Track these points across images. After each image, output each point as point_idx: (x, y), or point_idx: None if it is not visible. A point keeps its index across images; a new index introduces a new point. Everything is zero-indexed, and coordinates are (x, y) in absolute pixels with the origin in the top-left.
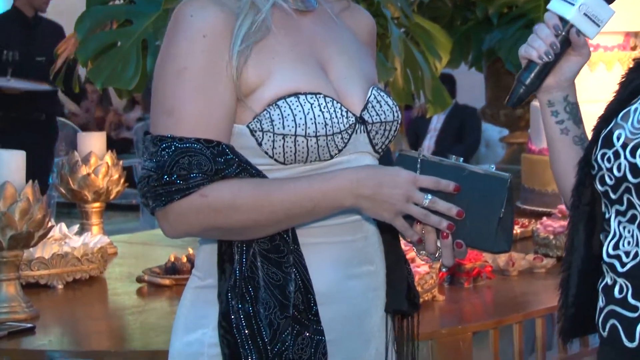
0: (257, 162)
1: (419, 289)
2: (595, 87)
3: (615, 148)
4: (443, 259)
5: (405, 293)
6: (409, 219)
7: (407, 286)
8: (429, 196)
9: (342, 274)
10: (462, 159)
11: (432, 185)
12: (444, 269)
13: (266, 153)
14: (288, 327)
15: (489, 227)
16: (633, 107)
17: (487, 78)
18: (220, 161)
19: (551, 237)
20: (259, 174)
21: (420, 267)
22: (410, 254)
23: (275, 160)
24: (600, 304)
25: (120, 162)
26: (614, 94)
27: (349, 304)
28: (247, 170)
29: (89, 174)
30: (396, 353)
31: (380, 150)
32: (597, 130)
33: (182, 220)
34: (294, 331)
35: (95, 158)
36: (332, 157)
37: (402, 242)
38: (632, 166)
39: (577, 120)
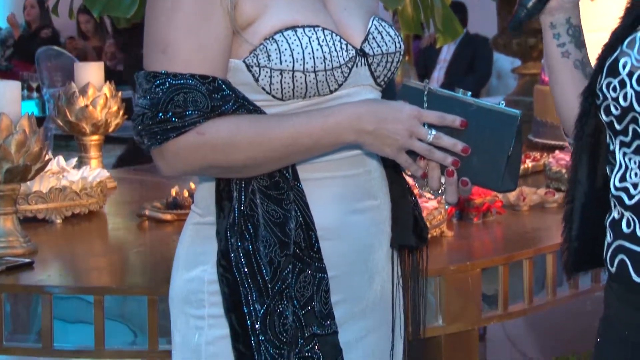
0: (254, 98)
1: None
2: (599, 15)
3: (620, 77)
4: (446, 196)
5: (412, 227)
6: (413, 154)
7: (413, 220)
8: (433, 131)
9: (344, 209)
10: (470, 93)
11: (437, 120)
12: (447, 206)
13: (263, 89)
14: (289, 265)
15: (496, 166)
16: (639, 34)
17: (500, 6)
18: (217, 97)
19: (563, 170)
20: (256, 110)
21: (429, 203)
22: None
23: (273, 96)
24: (608, 239)
25: (119, 94)
26: (619, 20)
27: (352, 240)
28: (245, 107)
29: (86, 106)
30: (402, 289)
31: (382, 83)
32: (602, 58)
33: (179, 158)
34: (295, 269)
35: (93, 89)
36: (331, 91)
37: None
38: (639, 95)
39: (579, 43)
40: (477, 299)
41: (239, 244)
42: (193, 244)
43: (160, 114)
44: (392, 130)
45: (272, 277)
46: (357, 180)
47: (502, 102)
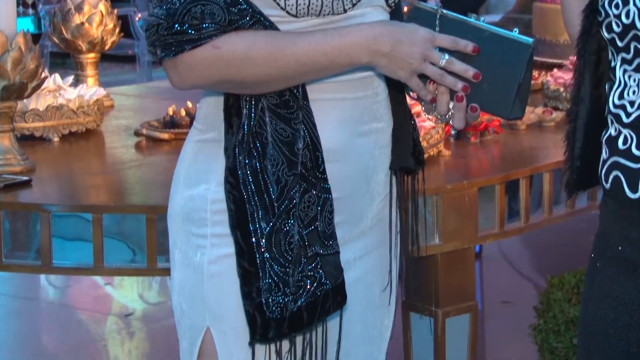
0: (268, 14)
1: (424, 143)
2: None
3: None
4: (454, 122)
5: (411, 150)
6: (423, 77)
7: (412, 143)
8: (446, 56)
9: (351, 131)
10: (483, 18)
11: (450, 44)
12: (453, 132)
13: (278, 4)
14: (296, 184)
15: (507, 93)
16: None
17: None
18: (234, 11)
19: (561, 89)
20: (272, 26)
21: (426, 122)
22: (415, 108)
23: (287, 12)
24: (604, 155)
25: (115, 11)
26: None
27: (356, 162)
28: (261, 22)
29: (82, 23)
30: (398, 209)
31: (392, 4)
32: None
33: (192, 71)
34: (300, 189)
35: (88, 6)
36: (345, 10)
37: (407, 97)
38: None
39: None
40: (473, 217)
41: (247, 161)
42: (195, 161)
43: (177, 25)
44: (406, 53)
45: (279, 195)
46: (364, 102)
47: (515, 29)
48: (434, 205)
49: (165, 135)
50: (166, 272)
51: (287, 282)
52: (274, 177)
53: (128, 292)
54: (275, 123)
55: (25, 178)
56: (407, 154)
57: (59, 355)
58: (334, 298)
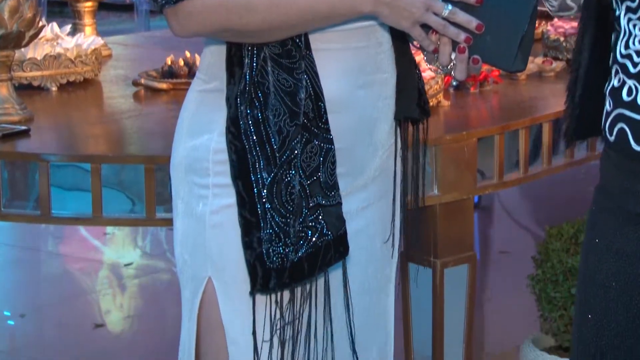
0: None
1: None
2: None
3: None
4: (456, 73)
5: (416, 100)
6: (426, 27)
7: (417, 92)
8: (449, 6)
9: (354, 81)
10: None
11: None
12: (454, 82)
13: None
14: (298, 135)
15: (510, 45)
16: None
17: None
18: None
19: (562, 39)
20: None
21: (426, 72)
22: (417, 57)
23: None
24: (607, 107)
25: None
26: None
27: (359, 113)
28: None
29: None
30: (401, 161)
31: None
32: None
33: (194, 19)
34: (302, 139)
35: None
36: None
37: (411, 46)
38: None
39: None
40: (472, 168)
41: (249, 111)
42: (198, 111)
43: None
44: (409, 2)
45: (281, 146)
46: (367, 52)
47: None
48: (433, 156)
49: (163, 85)
50: (165, 222)
51: (288, 232)
52: (275, 128)
53: (127, 243)
54: (278, 73)
55: (23, 127)
56: (412, 104)
57: (58, 304)
58: (335, 249)
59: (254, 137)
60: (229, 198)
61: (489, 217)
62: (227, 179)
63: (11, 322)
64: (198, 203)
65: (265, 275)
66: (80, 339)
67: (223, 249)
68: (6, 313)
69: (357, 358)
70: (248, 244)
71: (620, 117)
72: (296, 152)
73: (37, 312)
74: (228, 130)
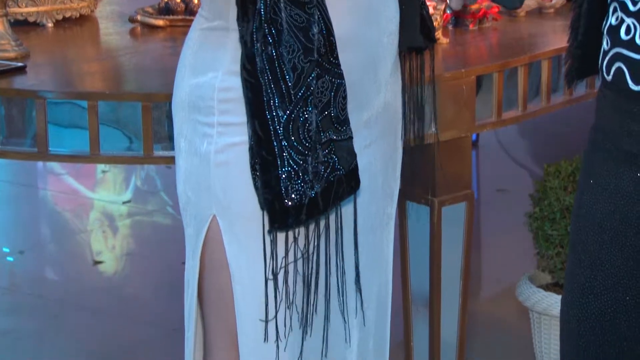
0: None
1: None
2: None
3: None
4: (451, 2)
5: (420, 28)
6: None
7: (420, 20)
8: None
9: (360, 19)
10: None
11: None
12: (449, 11)
13: None
14: (312, 71)
15: None
16: None
17: None
18: None
19: None
20: None
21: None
22: None
23: None
24: (605, 46)
25: None
26: None
27: (365, 49)
28: None
29: None
30: (403, 98)
31: None
32: None
33: None
34: (315, 75)
35: None
36: None
37: None
38: None
39: None
40: (471, 106)
41: (263, 48)
42: (201, 49)
43: None
44: None
45: (295, 83)
46: None
47: None
48: (431, 93)
49: (160, 22)
50: (163, 160)
51: (306, 169)
52: (290, 65)
53: (124, 181)
54: (290, 9)
55: (19, 64)
56: (415, 33)
57: (56, 241)
58: (347, 183)
59: (269, 75)
60: (234, 137)
61: (487, 155)
62: (232, 118)
63: (10, 259)
64: (202, 142)
65: (284, 213)
66: (79, 275)
67: (228, 187)
68: (5, 249)
69: (361, 295)
70: (266, 183)
71: (617, 56)
72: (312, 88)
73: (36, 249)
74: (243, 68)
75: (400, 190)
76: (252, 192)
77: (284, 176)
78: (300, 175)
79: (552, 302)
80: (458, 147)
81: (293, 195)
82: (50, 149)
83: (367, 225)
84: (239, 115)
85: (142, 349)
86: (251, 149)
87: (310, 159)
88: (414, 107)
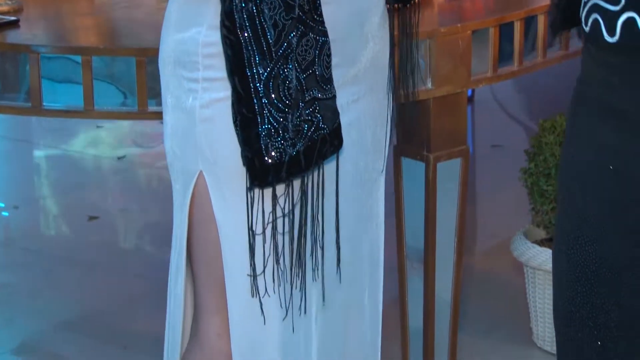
0: None
1: None
2: None
3: None
4: None
5: None
6: None
7: None
8: None
9: None
10: None
11: None
12: None
13: None
14: (293, 28)
15: None
16: None
17: None
18: None
19: None
20: None
21: None
22: None
23: None
24: None
25: None
26: None
27: (350, 4)
28: None
29: None
30: (392, 54)
31: None
32: None
33: None
34: (298, 32)
35: None
36: None
37: None
38: None
39: None
40: (466, 61)
41: (243, 5)
42: (186, 4)
43: None
44: None
45: (276, 40)
46: None
47: None
48: (426, 49)
49: None
50: (157, 115)
51: (287, 127)
52: (271, 21)
53: (119, 136)
54: None
55: (12, 18)
56: None
57: (51, 196)
58: (331, 142)
59: (249, 31)
60: (219, 92)
61: (483, 111)
62: (217, 73)
63: (5, 214)
64: (188, 97)
65: (264, 170)
66: (74, 230)
67: (214, 143)
68: (0, 204)
69: (339, 251)
70: (246, 140)
71: (594, 8)
72: (292, 46)
73: (31, 203)
74: (222, 25)
75: (395, 146)
76: (238, 147)
77: (264, 134)
78: (281, 133)
79: (546, 258)
80: (453, 103)
81: (273, 153)
82: (44, 104)
83: (356, 181)
84: (224, 70)
85: (137, 303)
86: (232, 105)
87: (290, 116)
88: (404, 63)
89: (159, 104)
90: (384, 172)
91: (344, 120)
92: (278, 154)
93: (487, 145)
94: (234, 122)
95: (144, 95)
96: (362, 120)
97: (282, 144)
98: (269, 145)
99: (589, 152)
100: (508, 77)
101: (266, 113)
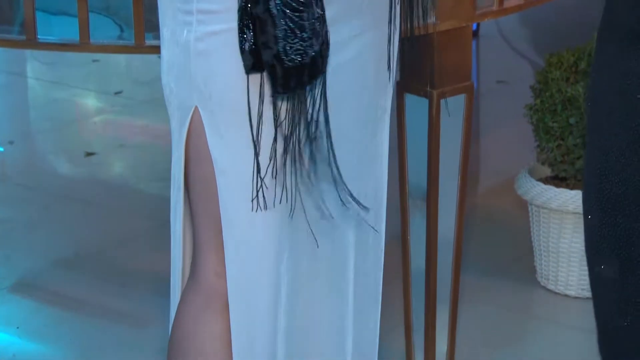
0: None
1: None
2: None
3: None
4: None
5: None
6: None
7: None
8: None
9: None
10: None
11: None
12: None
13: None
14: None
15: None
16: None
17: None
18: None
19: None
20: None
21: None
22: None
23: None
24: None
25: None
26: None
27: None
28: None
29: None
30: None
31: None
32: None
33: None
34: None
35: None
36: None
37: None
38: None
39: None
40: None
41: None
42: None
43: None
44: None
45: None
46: None
47: None
48: None
49: None
50: (154, 49)
51: (303, 26)
52: None
53: (116, 71)
54: None
55: None
56: None
57: (47, 132)
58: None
59: None
60: (215, 25)
61: (488, 46)
62: (212, 5)
63: (0, 149)
64: (182, 30)
65: (285, 75)
66: (71, 166)
67: (208, 77)
68: None
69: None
70: (265, 44)
71: None
72: None
73: (26, 139)
74: None
75: (398, 82)
76: (233, 81)
77: (281, 35)
78: (298, 33)
79: (551, 196)
80: (458, 38)
81: (293, 56)
82: (38, 36)
83: (361, 118)
84: (219, 2)
85: (134, 241)
86: (242, 10)
87: (306, 14)
88: None
89: (157, 37)
90: (389, 111)
91: (344, 55)
92: (299, 55)
93: (492, 81)
94: (240, 28)
95: (141, 28)
96: (364, 56)
97: (301, 45)
98: (287, 47)
99: (616, 82)
100: (514, 11)
101: (280, 13)
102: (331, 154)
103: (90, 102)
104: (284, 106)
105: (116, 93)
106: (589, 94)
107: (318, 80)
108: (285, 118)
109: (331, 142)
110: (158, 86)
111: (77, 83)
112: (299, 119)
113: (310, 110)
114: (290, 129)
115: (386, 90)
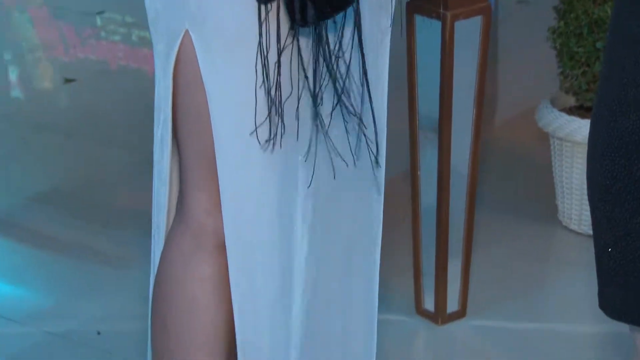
0: None
1: None
2: None
3: None
4: None
5: None
6: None
7: None
8: None
9: None
10: None
11: None
12: None
13: None
14: None
15: None
16: None
17: None
18: None
19: None
20: None
21: None
22: None
23: None
24: None
25: None
26: None
27: None
28: None
29: None
30: None
31: None
32: None
33: None
34: None
35: None
36: None
37: None
38: None
39: None
40: None
41: None
42: None
43: None
44: None
45: None
46: None
47: None
48: None
49: None
50: None
51: None
52: None
53: None
54: None
55: None
56: None
57: (22, 56)
58: None
59: None
60: None
61: None
62: None
63: None
64: None
65: (302, 5)
66: (49, 94)
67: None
68: None
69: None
70: None
71: None
72: None
73: (3, 66)
74: None
75: (407, 2)
76: (231, 5)
77: None
78: None
79: (575, 127)
80: None
81: None
82: None
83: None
84: None
85: (117, 176)
86: None
87: None
88: None
89: None
90: (390, 31)
91: None
92: None
93: (512, 0)
94: None
95: None
96: None
97: None
98: None
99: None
100: None
101: None
102: (367, 97)
103: (70, 22)
104: (302, 42)
105: (98, 13)
106: (612, 23)
107: (347, 13)
108: (298, 54)
109: (369, 89)
110: (143, 6)
111: (56, 2)
112: (317, 57)
113: (335, 49)
114: (311, 66)
115: (388, 9)
